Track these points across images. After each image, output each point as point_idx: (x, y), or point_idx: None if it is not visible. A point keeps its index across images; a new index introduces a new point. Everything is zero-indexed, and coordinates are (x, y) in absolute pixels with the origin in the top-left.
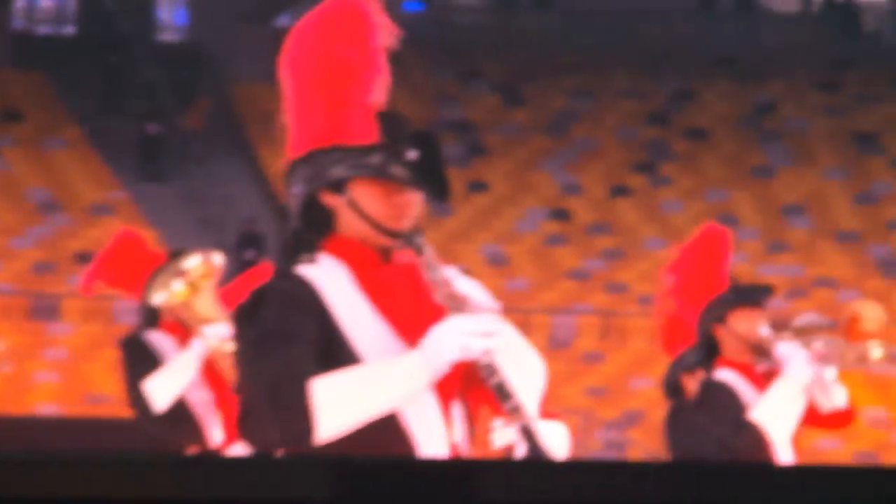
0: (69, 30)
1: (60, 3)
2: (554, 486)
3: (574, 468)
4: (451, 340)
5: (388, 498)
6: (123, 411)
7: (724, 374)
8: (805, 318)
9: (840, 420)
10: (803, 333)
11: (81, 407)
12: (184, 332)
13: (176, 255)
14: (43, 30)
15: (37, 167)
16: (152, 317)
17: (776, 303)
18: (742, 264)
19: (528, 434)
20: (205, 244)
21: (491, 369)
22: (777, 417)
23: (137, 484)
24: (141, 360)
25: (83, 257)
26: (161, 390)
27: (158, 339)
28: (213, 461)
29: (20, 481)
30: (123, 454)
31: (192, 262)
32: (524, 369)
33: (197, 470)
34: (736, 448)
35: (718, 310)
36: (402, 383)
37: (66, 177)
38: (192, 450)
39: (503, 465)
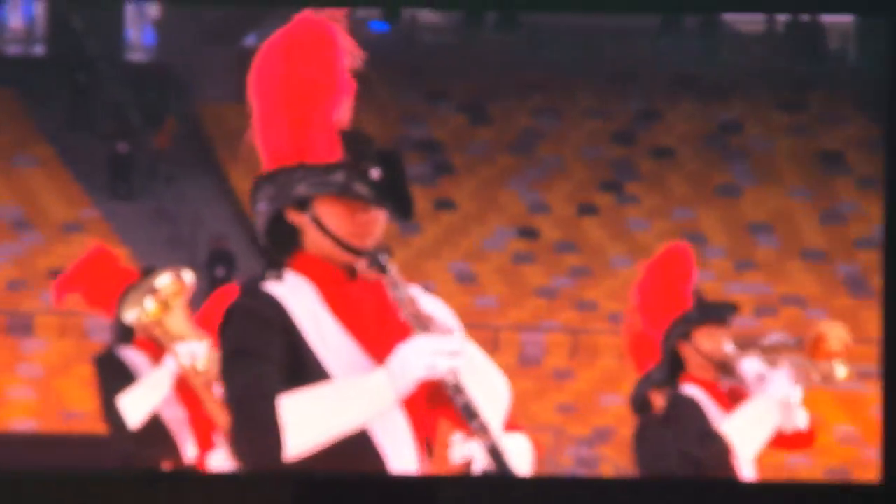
0: (38, 49)
1: (30, 23)
2: (516, 501)
3: (536, 483)
4: (416, 360)
5: None
6: (98, 427)
7: (689, 390)
8: (772, 337)
9: (801, 441)
10: (770, 352)
11: (56, 423)
12: (156, 349)
13: (147, 272)
14: (12, 49)
15: (8, 184)
16: (125, 334)
17: (744, 321)
18: (709, 282)
19: (494, 453)
20: (175, 262)
21: (457, 388)
22: (749, 433)
23: (103, 501)
24: (115, 376)
25: (56, 274)
26: (134, 407)
27: (132, 356)
28: (177, 477)
29: None
30: (87, 472)
31: (164, 280)
32: (488, 388)
33: (161, 486)
34: (701, 462)
35: (683, 327)
36: (369, 402)
37: (38, 194)
38: (165, 466)
39: (466, 481)
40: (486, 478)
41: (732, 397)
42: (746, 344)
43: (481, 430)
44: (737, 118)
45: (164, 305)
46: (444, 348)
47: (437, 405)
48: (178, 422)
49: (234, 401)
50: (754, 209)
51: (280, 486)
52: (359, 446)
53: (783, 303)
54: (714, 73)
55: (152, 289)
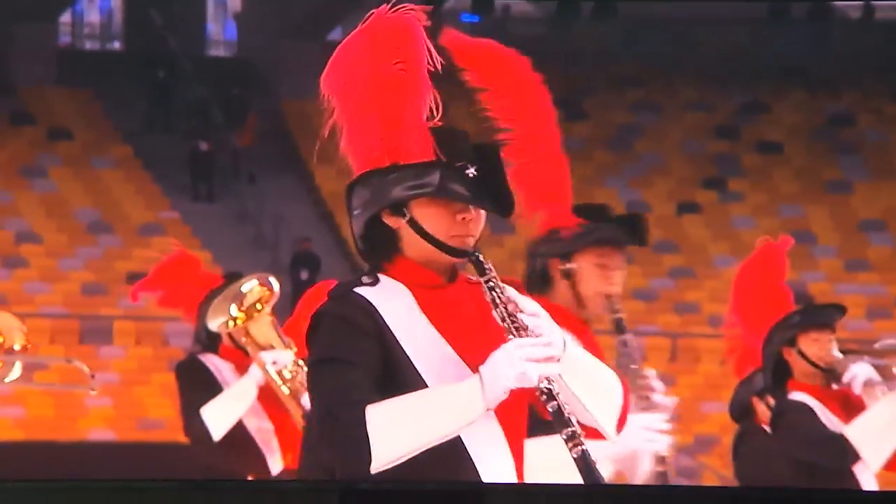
0: (116, 45)
1: (107, 18)
2: None
3: (590, 493)
4: (507, 369)
5: None
6: (175, 436)
7: (799, 396)
8: (885, 341)
9: None
10: (881, 356)
11: (133, 432)
12: (241, 356)
13: (232, 277)
14: (89, 45)
15: (85, 186)
16: (210, 341)
17: (856, 323)
18: (819, 283)
19: (583, 463)
20: (257, 264)
21: (548, 394)
22: (879, 437)
23: None
24: (197, 385)
25: (134, 278)
26: (218, 417)
27: (216, 363)
28: (220, 486)
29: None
30: (126, 480)
31: (250, 285)
32: (595, 391)
33: (201, 494)
34: (817, 469)
35: (786, 332)
36: (459, 412)
37: (115, 196)
38: (250, 478)
39: (514, 489)
40: (538, 486)
41: (844, 404)
42: (858, 348)
43: (571, 439)
44: (848, 110)
45: (251, 312)
46: (537, 354)
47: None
48: (262, 433)
49: (323, 410)
50: (866, 206)
51: (326, 495)
52: (449, 453)
53: None
54: (823, 62)
55: (238, 295)
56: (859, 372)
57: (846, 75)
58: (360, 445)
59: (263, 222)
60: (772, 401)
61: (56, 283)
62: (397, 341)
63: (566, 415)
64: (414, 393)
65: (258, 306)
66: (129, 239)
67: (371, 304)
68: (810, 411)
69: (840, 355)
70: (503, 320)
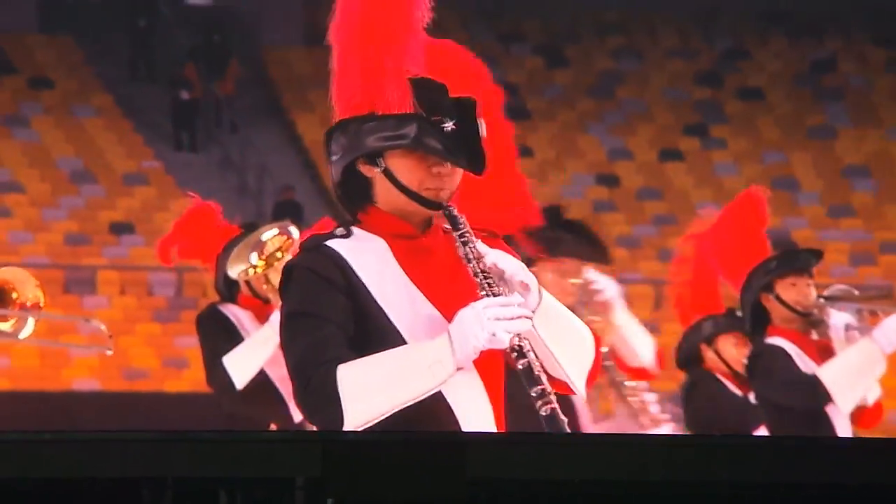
0: None
1: None
2: (551, 460)
3: (572, 442)
4: (477, 328)
5: (378, 475)
6: (160, 385)
7: (777, 341)
8: (869, 286)
9: (867, 418)
10: (863, 301)
11: (118, 382)
12: (260, 305)
13: (250, 227)
14: None
15: (67, 135)
16: (229, 290)
17: (840, 269)
18: (802, 230)
19: (552, 422)
20: (241, 213)
21: (518, 352)
22: (850, 380)
23: (123, 461)
24: (218, 334)
25: (118, 228)
26: (240, 366)
27: (235, 313)
28: (200, 438)
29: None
30: (105, 433)
31: (270, 234)
32: (568, 345)
33: (184, 446)
34: (792, 413)
35: (763, 277)
36: (428, 373)
37: (98, 145)
38: (272, 427)
39: (496, 439)
40: (517, 435)
41: (822, 350)
42: (839, 293)
43: (541, 397)
44: (830, 55)
45: (270, 260)
46: (507, 314)
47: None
48: (286, 381)
49: (294, 366)
50: (850, 152)
51: (309, 446)
52: (429, 405)
53: (882, 250)
54: (806, 7)
55: (258, 243)
56: (839, 319)
57: (829, 21)
58: (332, 406)
59: (247, 171)
60: (722, 346)
61: (39, 233)
62: (370, 294)
63: (536, 372)
64: (384, 352)
65: (278, 254)
66: (112, 188)
67: (343, 257)
68: (786, 355)
69: (818, 300)
70: (475, 275)
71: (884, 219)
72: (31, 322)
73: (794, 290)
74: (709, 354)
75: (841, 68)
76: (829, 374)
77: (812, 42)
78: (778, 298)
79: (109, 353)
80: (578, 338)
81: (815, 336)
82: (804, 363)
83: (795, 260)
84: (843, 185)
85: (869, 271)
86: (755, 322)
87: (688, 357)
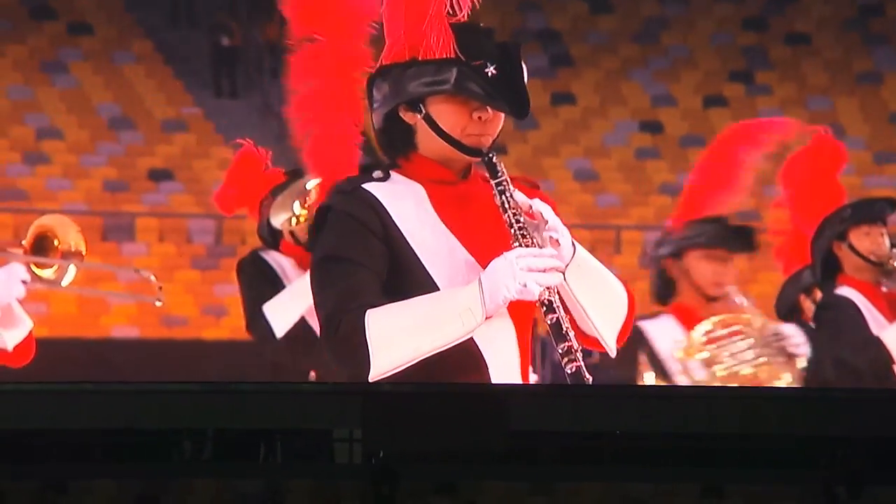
0: None
1: None
2: (590, 412)
3: (612, 394)
4: (508, 279)
5: (417, 426)
6: (199, 333)
7: (846, 292)
8: None
9: None
10: None
11: (156, 329)
12: (303, 254)
13: (294, 174)
14: None
15: (107, 82)
16: (272, 238)
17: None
18: (848, 176)
19: (576, 379)
20: (280, 161)
21: (548, 306)
22: None
23: (159, 412)
24: (260, 281)
25: (156, 174)
26: (280, 314)
27: (277, 260)
28: (241, 389)
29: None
30: (142, 384)
31: (314, 182)
32: (601, 300)
33: (224, 398)
34: (858, 369)
35: (837, 226)
36: (459, 320)
37: (137, 92)
38: (312, 375)
39: (536, 391)
40: (560, 387)
41: (893, 303)
42: None
43: (568, 353)
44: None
45: (314, 209)
46: (539, 265)
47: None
48: None
49: (325, 311)
50: None
51: (349, 397)
52: (460, 356)
53: None
54: None
55: (302, 191)
56: None
57: None
58: (359, 351)
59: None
60: (819, 297)
61: (78, 180)
62: (406, 239)
63: (564, 329)
64: (414, 299)
65: None
66: (151, 135)
67: (379, 200)
68: (855, 308)
69: (892, 250)
70: (510, 226)
71: None
72: (72, 269)
73: (868, 240)
74: (807, 304)
75: (889, 12)
76: (892, 336)
77: None
78: (851, 247)
79: (159, 304)
80: (612, 294)
81: (884, 288)
82: (873, 316)
83: (870, 208)
84: (889, 132)
85: None
86: (826, 271)
87: (787, 307)
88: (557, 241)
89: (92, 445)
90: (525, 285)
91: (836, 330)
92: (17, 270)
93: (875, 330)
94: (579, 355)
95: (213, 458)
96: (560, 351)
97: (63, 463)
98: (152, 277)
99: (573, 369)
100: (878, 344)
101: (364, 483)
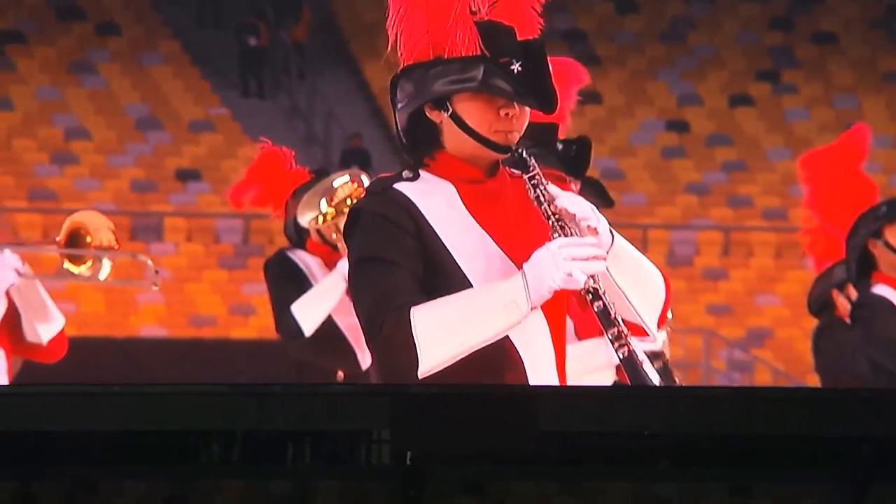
0: None
1: None
2: (621, 413)
3: (643, 395)
4: (552, 269)
5: (446, 429)
6: (227, 332)
7: (882, 290)
8: None
9: None
10: None
11: (184, 329)
12: (329, 251)
13: (321, 173)
14: None
15: (134, 82)
16: (298, 236)
17: None
18: (875, 175)
19: (629, 364)
20: (307, 161)
21: (594, 294)
22: None
23: (188, 414)
24: (287, 280)
25: (184, 175)
26: (308, 313)
27: (304, 259)
28: (268, 391)
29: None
30: (171, 385)
31: (341, 181)
32: (640, 286)
33: (252, 399)
34: (891, 370)
35: (873, 223)
36: (502, 313)
37: (164, 92)
38: (340, 375)
39: (566, 392)
40: (586, 388)
41: None
42: None
43: (617, 339)
44: None
45: (340, 207)
46: (583, 254)
47: (572, 309)
48: (353, 328)
49: (366, 312)
50: None
51: (377, 399)
52: (496, 354)
53: None
54: None
55: (329, 190)
56: None
57: None
58: (407, 350)
59: (314, 119)
60: (853, 293)
61: (106, 180)
62: (439, 237)
63: (612, 315)
64: (457, 294)
65: (348, 202)
66: (178, 135)
67: (411, 200)
68: (888, 308)
69: None
70: (548, 218)
71: None
72: (107, 264)
73: None
74: (840, 300)
75: None
76: None
77: None
78: (887, 244)
79: (155, 288)
80: (650, 279)
81: None
82: None
83: None
84: None
85: None
86: (861, 268)
87: (819, 303)
88: (596, 229)
89: (121, 447)
90: (570, 274)
91: (868, 327)
92: (9, 259)
93: None
94: (629, 339)
95: (241, 459)
96: (610, 337)
97: (93, 464)
98: (148, 261)
99: (625, 353)
100: None
101: (393, 484)
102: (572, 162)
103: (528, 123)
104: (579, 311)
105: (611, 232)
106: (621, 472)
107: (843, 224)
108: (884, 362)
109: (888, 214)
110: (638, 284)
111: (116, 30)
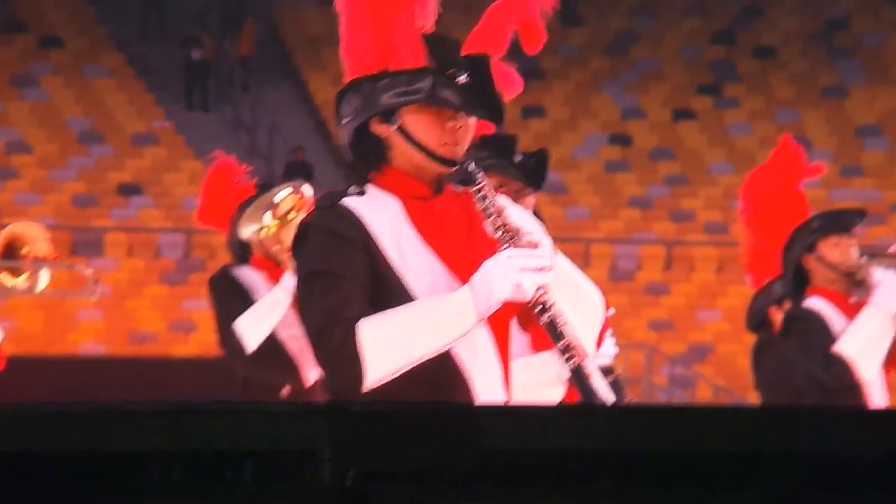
0: None
1: None
2: (565, 432)
3: (588, 413)
4: (501, 279)
5: (388, 447)
6: (167, 349)
7: (815, 303)
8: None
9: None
10: None
11: (124, 346)
12: (274, 267)
13: (265, 187)
14: None
15: (77, 95)
16: (242, 251)
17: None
18: (814, 189)
19: (579, 376)
20: (252, 174)
21: (543, 306)
22: (864, 350)
23: (130, 434)
24: (231, 297)
25: (126, 189)
26: (252, 329)
27: (248, 274)
28: (207, 410)
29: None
30: (113, 405)
31: (283, 193)
32: (579, 303)
33: (190, 419)
34: (825, 384)
35: (807, 238)
36: (451, 323)
37: (108, 105)
38: (285, 391)
39: (510, 410)
40: (535, 408)
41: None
42: (868, 252)
43: (567, 351)
44: (844, 14)
45: (284, 220)
46: (531, 264)
47: (528, 323)
48: (298, 343)
49: (315, 326)
50: (862, 111)
51: (315, 417)
52: (442, 370)
53: (893, 209)
54: None
55: (271, 203)
56: (882, 278)
57: None
58: (353, 362)
59: (258, 131)
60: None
61: (47, 194)
62: (385, 253)
63: (560, 328)
64: (405, 306)
65: (291, 214)
66: (121, 149)
67: (359, 215)
68: (819, 320)
69: (861, 260)
70: (496, 230)
71: (895, 178)
72: (44, 276)
73: (838, 251)
74: (778, 317)
75: (854, 27)
76: (847, 344)
77: (825, 0)
78: (820, 259)
79: (94, 298)
80: (588, 298)
81: (854, 299)
82: (841, 326)
83: (838, 219)
84: (855, 145)
85: (880, 231)
86: (797, 283)
87: (758, 319)
88: (537, 245)
89: (59, 468)
90: (519, 285)
91: (800, 340)
92: None
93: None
94: (579, 351)
95: (181, 480)
96: (559, 349)
97: (29, 487)
98: (88, 271)
99: (574, 365)
100: (838, 360)
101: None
102: (531, 174)
103: (488, 136)
104: (536, 324)
105: (552, 249)
106: (564, 493)
107: (777, 240)
108: (819, 375)
109: (821, 228)
110: (576, 303)
111: (59, 42)
